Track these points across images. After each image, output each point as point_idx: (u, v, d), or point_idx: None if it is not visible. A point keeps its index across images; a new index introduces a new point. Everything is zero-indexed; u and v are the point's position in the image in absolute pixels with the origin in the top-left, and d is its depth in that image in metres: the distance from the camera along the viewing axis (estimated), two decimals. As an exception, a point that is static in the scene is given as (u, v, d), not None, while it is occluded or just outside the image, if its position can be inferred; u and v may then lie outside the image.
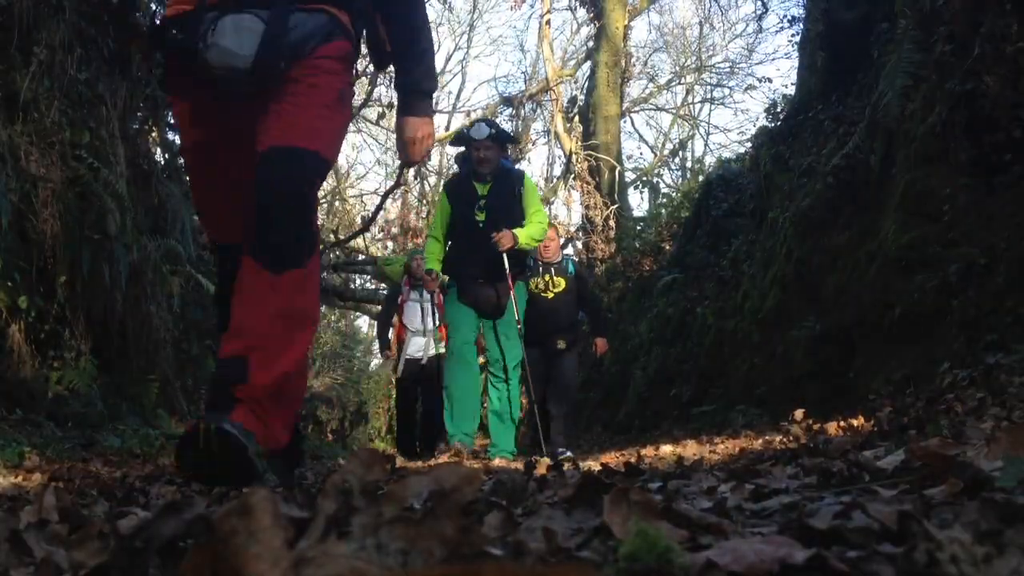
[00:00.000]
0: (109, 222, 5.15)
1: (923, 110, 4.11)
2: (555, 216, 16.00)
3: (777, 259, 5.84)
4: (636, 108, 20.09)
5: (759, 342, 5.87)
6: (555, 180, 18.66)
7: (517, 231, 4.91)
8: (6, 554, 0.77)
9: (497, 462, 4.41)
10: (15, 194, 4.40)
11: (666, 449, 4.17)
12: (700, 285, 8.20)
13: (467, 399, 5.04)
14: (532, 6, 18.65)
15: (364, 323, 23.03)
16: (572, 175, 14.30)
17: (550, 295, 6.08)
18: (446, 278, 5.35)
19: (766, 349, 5.71)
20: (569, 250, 14.56)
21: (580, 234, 14.45)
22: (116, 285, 5.24)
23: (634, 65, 16.06)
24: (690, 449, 3.98)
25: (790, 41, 17.76)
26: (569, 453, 5.38)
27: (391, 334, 7.12)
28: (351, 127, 17.39)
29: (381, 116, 16.91)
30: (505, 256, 4.92)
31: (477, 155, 5.02)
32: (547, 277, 6.10)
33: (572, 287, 6.15)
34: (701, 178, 11.97)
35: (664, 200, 13.99)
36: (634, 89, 19.45)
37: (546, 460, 3.99)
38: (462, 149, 5.31)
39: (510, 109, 16.97)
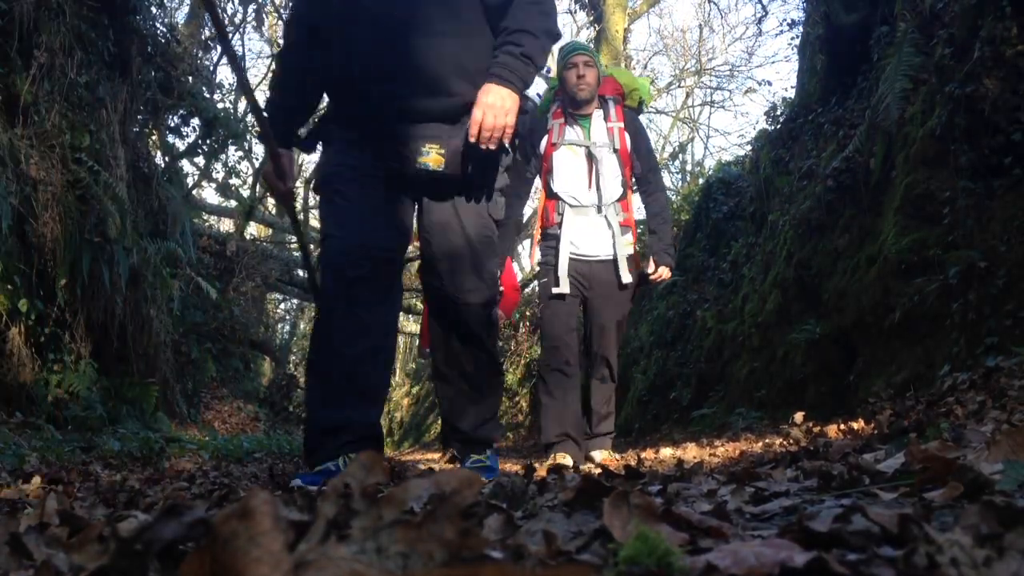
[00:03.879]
0: (109, 225, 5.15)
1: (923, 113, 4.11)
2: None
3: (777, 262, 5.84)
4: (636, 111, 20.06)
5: (759, 345, 5.86)
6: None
7: None
8: (6, 557, 0.77)
9: None
10: (15, 197, 4.40)
11: (666, 452, 4.17)
12: (700, 288, 8.20)
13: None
14: (532, 9, 18.65)
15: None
16: (572, 178, 14.27)
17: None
18: None
19: (766, 352, 5.70)
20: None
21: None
22: (116, 288, 5.24)
23: (634, 68, 16.07)
24: (690, 452, 3.97)
25: (790, 44, 17.81)
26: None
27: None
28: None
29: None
30: None
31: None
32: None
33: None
34: (701, 181, 11.97)
35: (664, 203, 13.96)
36: (634, 92, 19.46)
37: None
38: None
39: (510, 112, 16.93)
